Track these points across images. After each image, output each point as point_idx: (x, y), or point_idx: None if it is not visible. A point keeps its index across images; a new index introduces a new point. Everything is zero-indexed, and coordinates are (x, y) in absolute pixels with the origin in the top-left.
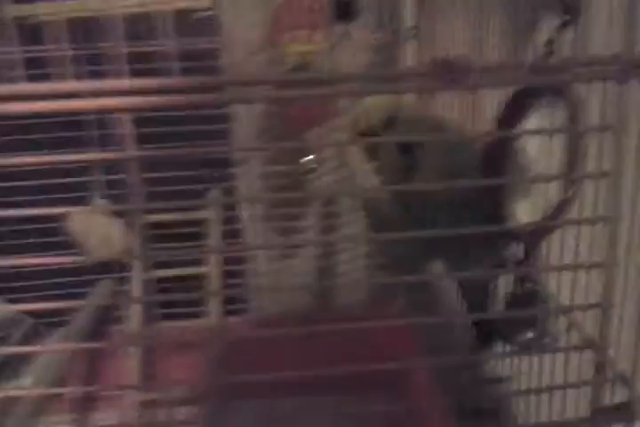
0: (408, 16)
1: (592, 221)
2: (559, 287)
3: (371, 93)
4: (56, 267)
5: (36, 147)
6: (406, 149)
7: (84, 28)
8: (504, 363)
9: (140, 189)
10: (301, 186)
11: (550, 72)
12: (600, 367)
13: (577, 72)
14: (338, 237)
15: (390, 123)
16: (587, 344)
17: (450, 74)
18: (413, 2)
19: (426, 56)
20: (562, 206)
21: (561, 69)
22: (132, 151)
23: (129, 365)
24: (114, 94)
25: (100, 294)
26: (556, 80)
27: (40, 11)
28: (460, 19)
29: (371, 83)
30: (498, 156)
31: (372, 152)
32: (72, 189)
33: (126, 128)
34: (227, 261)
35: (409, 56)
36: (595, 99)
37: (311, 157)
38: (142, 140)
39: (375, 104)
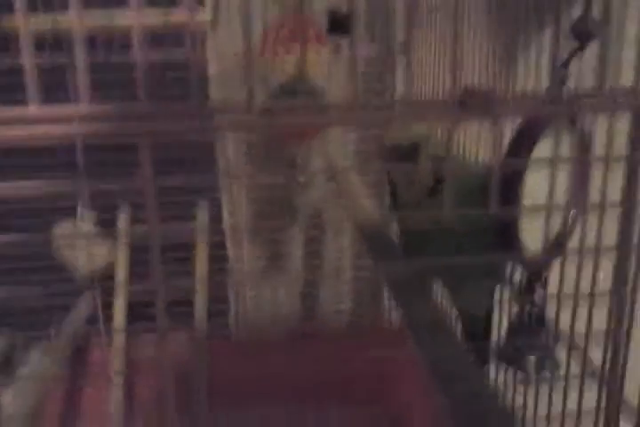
0: (399, 31)
1: (600, 252)
2: (560, 313)
3: (370, 122)
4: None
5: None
6: (436, 172)
7: (55, 41)
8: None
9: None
10: (289, 200)
11: (566, 102)
12: (608, 397)
13: (592, 102)
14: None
15: (418, 143)
16: (593, 373)
17: (473, 103)
18: (404, 16)
19: (415, 73)
20: (566, 234)
21: (577, 100)
22: (147, 179)
23: (112, 380)
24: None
25: (83, 306)
26: (573, 110)
27: (4, 24)
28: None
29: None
30: (509, 185)
31: (403, 172)
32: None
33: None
34: (211, 274)
35: (399, 72)
36: (602, 127)
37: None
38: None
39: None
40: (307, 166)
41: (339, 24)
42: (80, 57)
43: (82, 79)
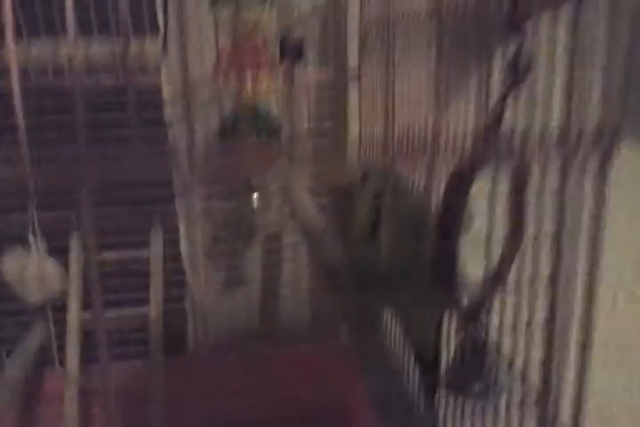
0: (352, 56)
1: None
2: (501, 340)
3: None
4: None
5: None
6: (378, 206)
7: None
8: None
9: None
10: (245, 222)
11: (500, 142)
12: (544, 423)
13: (523, 145)
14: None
15: (365, 177)
16: (532, 399)
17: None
18: (356, 43)
19: (368, 98)
20: (505, 266)
21: (509, 140)
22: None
23: (67, 409)
24: None
25: (35, 336)
26: (508, 150)
27: None
28: (400, 65)
29: None
30: (450, 219)
31: (349, 207)
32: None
33: None
34: (168, 299)
35: (352, 97)
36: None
37: (255, 195)
38: None
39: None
40: (264, 190)
41: (292, 50)
42: (17, 89)
43: (20, 121)
